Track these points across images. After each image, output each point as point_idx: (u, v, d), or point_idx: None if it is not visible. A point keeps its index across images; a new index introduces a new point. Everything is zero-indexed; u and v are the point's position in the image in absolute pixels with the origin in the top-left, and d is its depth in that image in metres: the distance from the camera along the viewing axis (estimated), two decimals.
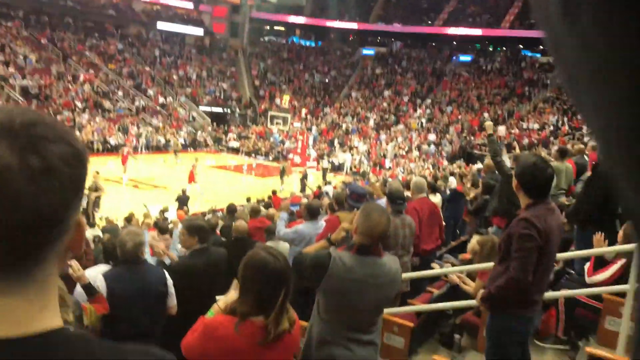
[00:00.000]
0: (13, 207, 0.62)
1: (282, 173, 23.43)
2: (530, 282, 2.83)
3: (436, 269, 5.51)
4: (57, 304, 0.74)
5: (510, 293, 2.90)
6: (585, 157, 7.53)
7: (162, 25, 42.20)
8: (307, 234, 5.22)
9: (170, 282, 3.51)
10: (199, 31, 43.85)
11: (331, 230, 4.49)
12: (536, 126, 29.97)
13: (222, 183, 21.17)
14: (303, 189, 20.27)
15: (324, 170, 25.88)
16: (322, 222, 5.38)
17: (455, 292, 5.03)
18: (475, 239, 5.55)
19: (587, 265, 4.53)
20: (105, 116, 30.07)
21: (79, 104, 29.55)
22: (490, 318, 3.17)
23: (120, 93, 33.15)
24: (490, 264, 4.60)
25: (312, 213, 5.44)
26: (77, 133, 26.48)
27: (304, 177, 21.44)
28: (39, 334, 0.66)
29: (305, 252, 2.95)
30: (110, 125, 29.00)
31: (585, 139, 22.01)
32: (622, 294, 4.03)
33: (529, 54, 39.47)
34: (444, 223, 6.06)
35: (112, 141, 27.35)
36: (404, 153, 30.16)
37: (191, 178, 18.84)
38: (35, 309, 0.68)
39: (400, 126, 33.98)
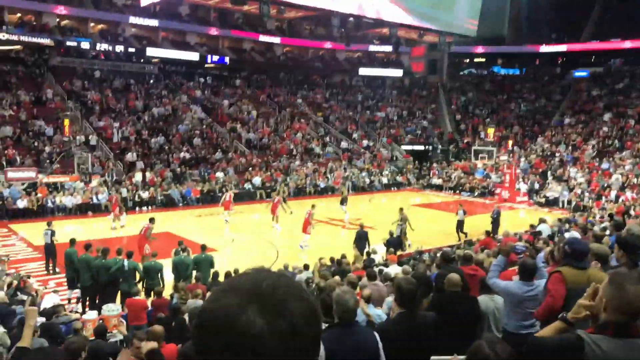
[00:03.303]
0: None
1: (344, 200, 22.54)
2: None
3: None
4: None
5: None
6: None
7: (363, 71, 44.36)
8: (517, 294, 4.64)
9: (381, 344, 3.38)
10: (398, 72, 45.01)
11: (554, 287, 3.92)
12: None
13: (429, 222, 20.82)
14: (495, 231, 16.98)
15: (459, 222, 19.17)
16: (537, 283, 4.67)
17: None
18: None
19: None
20: (315, 160, 32.34)
21: (293, 150, 32.40)
22: None
23: (327, 139, 35.47)
24: None
25: (525, 272, 4.77)
26: (289, 179, 28.88)
27: (497, 216, 18.69)
28: None
29: (539, 335, 2.58)
30: (320, 169, 31.05)
31: None
32: None
33: None
34: None
35: (322, 184, 29.16)
36: (634, 183, 26.43)
37: None
38: None
39: (626, 152, 30.03)
